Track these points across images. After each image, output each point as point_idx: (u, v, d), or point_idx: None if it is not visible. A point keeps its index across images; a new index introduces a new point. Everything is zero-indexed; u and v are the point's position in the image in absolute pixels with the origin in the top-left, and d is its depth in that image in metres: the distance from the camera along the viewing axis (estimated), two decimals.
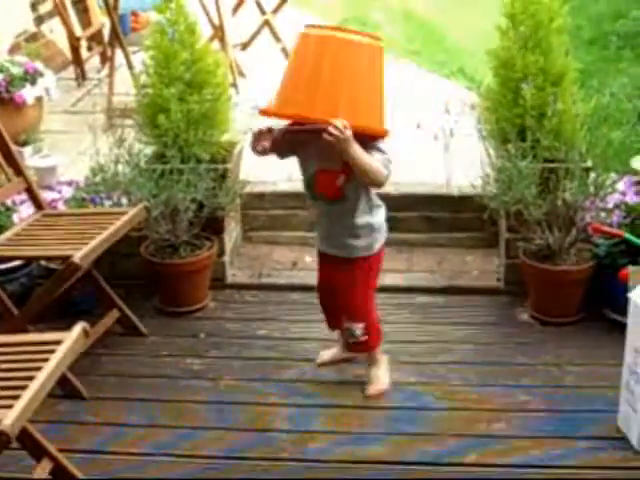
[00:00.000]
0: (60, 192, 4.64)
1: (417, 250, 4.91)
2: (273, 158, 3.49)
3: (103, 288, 4.16)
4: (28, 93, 5.58)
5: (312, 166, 3.47)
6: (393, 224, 4.87)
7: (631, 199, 4.33)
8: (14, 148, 4.17)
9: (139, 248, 4.41)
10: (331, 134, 3.17)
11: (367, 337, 3.69)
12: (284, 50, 7.51)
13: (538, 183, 4.10)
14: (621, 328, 3.49)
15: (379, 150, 3.35)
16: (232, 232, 4.83)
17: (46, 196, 4.44)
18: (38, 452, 3.06)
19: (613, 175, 4.15)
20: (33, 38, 7.12)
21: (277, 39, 7.59)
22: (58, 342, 2.89)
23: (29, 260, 4.24)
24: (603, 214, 4.21)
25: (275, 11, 7.68)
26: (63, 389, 3.66)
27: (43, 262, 4.31)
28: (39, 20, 7.46)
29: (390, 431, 3.51)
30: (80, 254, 3.59)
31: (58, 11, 7.25)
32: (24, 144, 5.44)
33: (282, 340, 4.18)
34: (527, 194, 4.08)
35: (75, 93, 6.89)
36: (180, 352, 4.09)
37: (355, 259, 3.59)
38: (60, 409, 3.65)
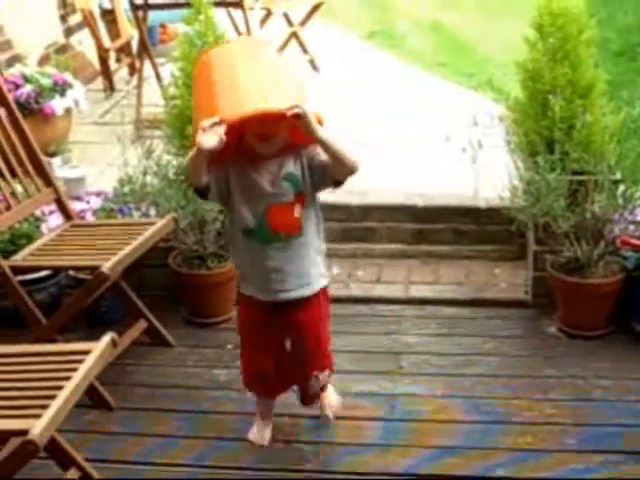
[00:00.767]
0: (89, 203, 4.67)
1: (444, 262, 4.89)
2: None
3: (131, 298, 4.18)
4: (57, 104, 5.63)
5: (259, 203, 3.11)
6: (420, 236, 4.92)
7: None
8: (43, 159, 4.21)
9: (167, 259, 4.42)
10: (297, 113, 2.88)
11: (329, 377, 3.52)
12: (311, 62, 7.53)
13: (567, 195, 4.08)
14: None
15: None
16: None
17: (75, 206, 4.46)
18: (66, 461, 3.08)
19: None
20: (62, 50, 7.18)
21: (304, 51, 7.62)
22: (87, 352, 2.90)
23: (58, 270, 4.27)
24: (632, 227, 4.19)
25: (303, 23, 7.71)
26: (91, 399, 3.67)
27: (71, 272, 4.33)
28: (68, 32, 7.52)
29: (416, 444, 3.49)
30: (109, 264, 3.60)
31: (87, 23, 7.31)
32: (53, 155, 5.48)
33: None
34: (555, 206, 4.06)
35: (104, 104, 6.93)
36: (207, 363, 4.10)
37: (319, 292, 3.28)
38: (87, 419, 3.66)
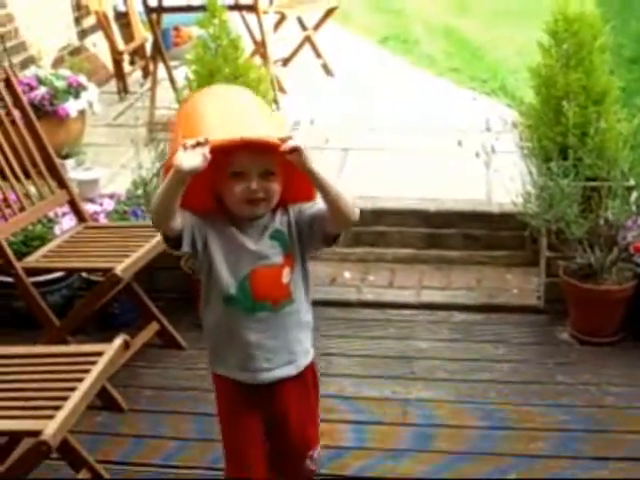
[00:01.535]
0: (102, 205, 4.67)
1: (456, 267, 4.88)
2: None
3: (143, 301, 4.18)
4: (71, 106, 5.64)
5: (243, 264, 2.58)
6: (432, 241, 4.91)
7: None
8: (57, 161, 4.23)
9: (179, 262, 4.42)
10: (290, 147, 2.38)
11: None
12: (325, 66, 7.54)
13: (580, 202, 4.08)
14: None
15: None
16: None
17: (88, 209, 4.47)
18: (78, 463, 3.08)
19: None
20: (76, 52, 7.19)
21: (318, 55, 7.62)
22: (99, 354, 2.91)
23: (70, 272, 4.28)
24: None
25: (316, 27, 7.72)
26: (102, 400, 3.68)
27: (84, 274, 4.34)
28: (82, 34, 7.53)
29: (428, 449, 3.49)
30: (121, 267, 3.61)
31: (101, 25, 7.32)
32: (67, 157, 5.49)
33: (320, 355, 4.16)
34: (569, 212, 4.06)
35: (117, 107, 6.94)
36: None
37: (309, 367, 2.79)
38: (99, 420, 3.67)
